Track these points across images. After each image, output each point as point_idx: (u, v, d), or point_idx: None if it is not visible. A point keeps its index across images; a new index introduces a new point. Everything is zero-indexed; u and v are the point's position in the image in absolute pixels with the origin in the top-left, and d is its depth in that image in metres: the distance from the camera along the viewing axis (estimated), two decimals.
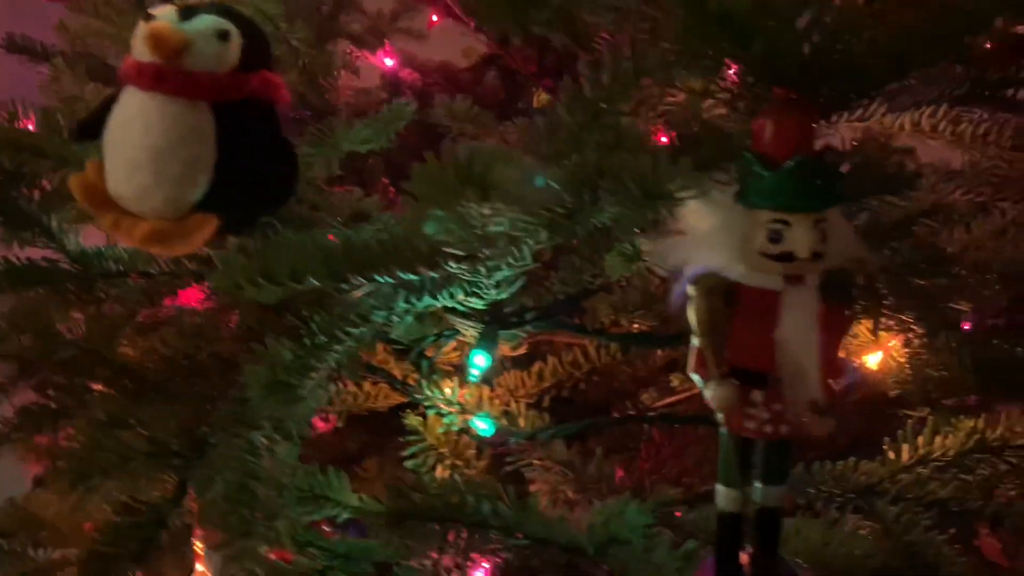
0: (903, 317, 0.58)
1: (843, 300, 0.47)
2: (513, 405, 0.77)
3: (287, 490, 0.60)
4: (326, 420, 0.86)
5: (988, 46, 0.79)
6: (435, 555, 0.70)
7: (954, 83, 0.83)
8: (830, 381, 0.48)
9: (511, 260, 0.57)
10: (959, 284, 0.60)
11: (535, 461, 0.75)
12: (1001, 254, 0.65)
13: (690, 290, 0.44)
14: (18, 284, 0.73)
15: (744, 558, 0.52)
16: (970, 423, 0.66)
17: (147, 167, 0.54)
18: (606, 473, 0.72)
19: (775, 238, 0.43)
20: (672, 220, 0.45)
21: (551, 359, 0.82)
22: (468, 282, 0.59)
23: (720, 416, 0.47)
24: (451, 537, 0.62)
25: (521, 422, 0.74)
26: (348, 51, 1.02)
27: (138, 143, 0.54)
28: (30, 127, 0.74)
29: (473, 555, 0.71)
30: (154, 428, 0.60)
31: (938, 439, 0.66)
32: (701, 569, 0.52)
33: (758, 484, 0.50)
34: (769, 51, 0.40)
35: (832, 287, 0.46)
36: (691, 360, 0.47)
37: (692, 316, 0.44)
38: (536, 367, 0.82)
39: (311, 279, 0.45)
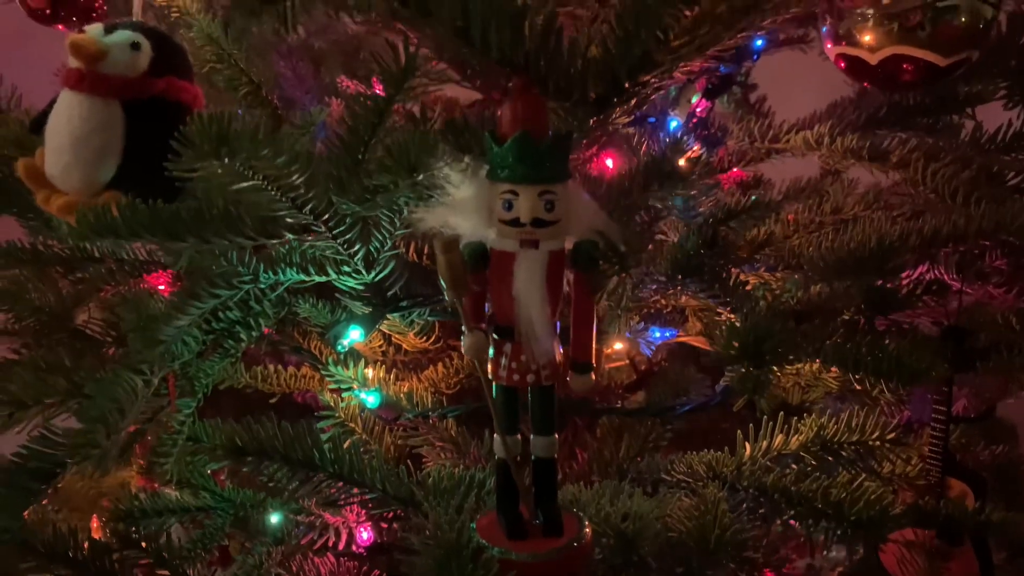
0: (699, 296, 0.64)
1: (589, 267, 0.53)
2: (417, 387, 0.84)
3: (179, 435, 0.69)
4: None
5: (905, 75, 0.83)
6: (320, 512, 0.79)
7: (874, 107, 0.88)
8: (586, 341, 0.54)
9: (376, 240, 0.66)
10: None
11: (433, 440, 0.83)
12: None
13: (436, 249, 0.51)
14: (13, 262, 0.87)
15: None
16: (813, 422, 0.70)
17: (69, 151, 0.66)
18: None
19: (507, 206, 0.50)
20: (438, 191, 0.52)
21: None
22: (334, 259, 0.68)
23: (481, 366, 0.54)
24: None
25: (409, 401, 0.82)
26: None
27: (63, 131, 0.67)
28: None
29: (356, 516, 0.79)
30: (78, 375, 0.71)
31: (782, 436, 0.70)
32: (486, 514, 0.58)
33: (532, 436, 0.56)
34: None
35: (579, 256, 0.53)
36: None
37: (439, 272, 0.52)
38: (454, 362, 0.90)
39: (148, 235, 0.55)
